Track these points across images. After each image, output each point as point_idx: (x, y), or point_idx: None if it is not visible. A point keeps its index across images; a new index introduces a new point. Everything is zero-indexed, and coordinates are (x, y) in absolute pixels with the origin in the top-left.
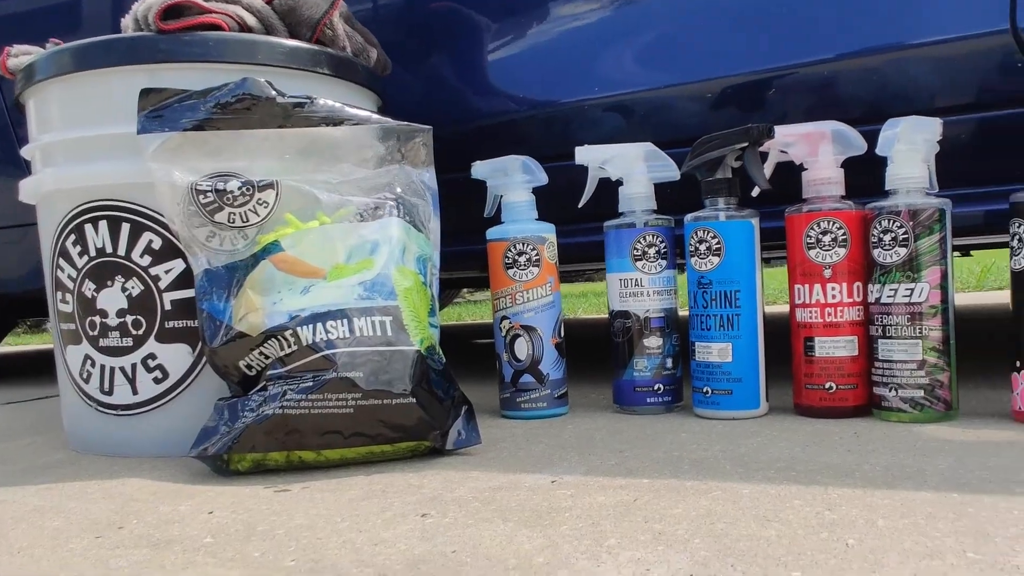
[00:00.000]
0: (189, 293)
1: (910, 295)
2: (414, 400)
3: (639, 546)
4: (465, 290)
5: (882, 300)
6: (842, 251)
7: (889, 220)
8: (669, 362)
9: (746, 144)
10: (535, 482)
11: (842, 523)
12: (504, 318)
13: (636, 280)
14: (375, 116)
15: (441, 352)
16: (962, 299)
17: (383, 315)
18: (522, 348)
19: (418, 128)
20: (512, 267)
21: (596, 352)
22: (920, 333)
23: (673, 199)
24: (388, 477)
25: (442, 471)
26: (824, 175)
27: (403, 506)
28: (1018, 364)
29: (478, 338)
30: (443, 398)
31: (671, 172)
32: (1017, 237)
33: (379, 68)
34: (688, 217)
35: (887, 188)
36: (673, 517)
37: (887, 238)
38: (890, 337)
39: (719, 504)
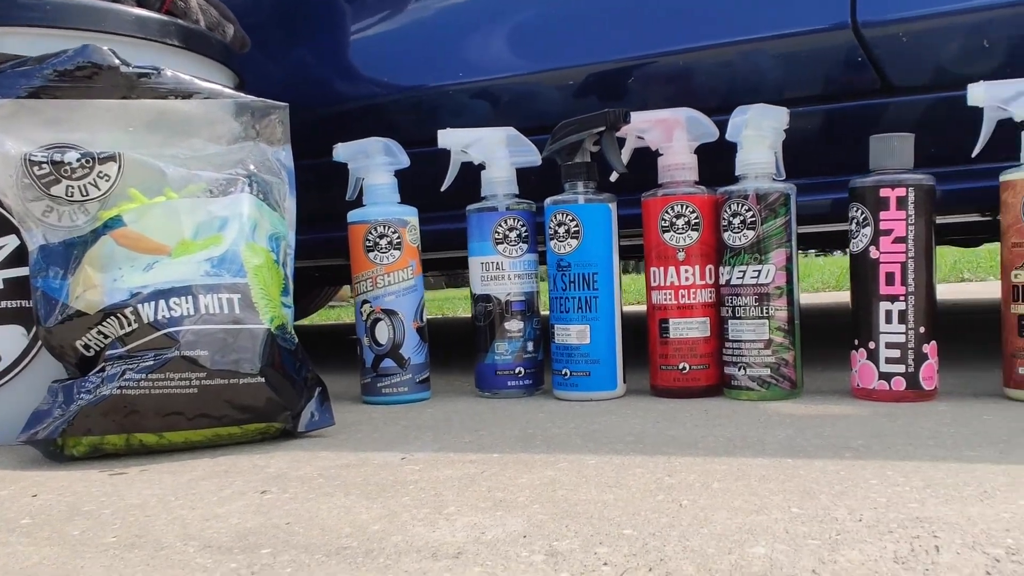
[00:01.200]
0: (24, 271)
1: (757, 276)
2: (263, 380)
3: (478, 512)
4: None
5: (732, 282)
6: (695, 234)
7: (738, 204)
8: (530, 346)
9: (603, 128)
10: (384, 459)
11: (679, 487)
12: (365, 302)
13: (497, 264)
14: (228, 91)
15: (294, 332)
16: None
17: (231, 292)
18: (383, 332)
19: (274, 105)
20: (373, 250)
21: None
22: (766, 313)
23: (552, 184)
24: (234, 459)
25: (292, 452)
26: (678, 160)
27: (244, 484)
28: (856, 343)
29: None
30: (295, 378)
31: (533, 157)
32: (855, 221)
33: (236, 44)
34: (548, 200)
35: (737, 173)
36: (517, 486)
37: (736, 221)
38: (739, 318)
39: (564, 474)
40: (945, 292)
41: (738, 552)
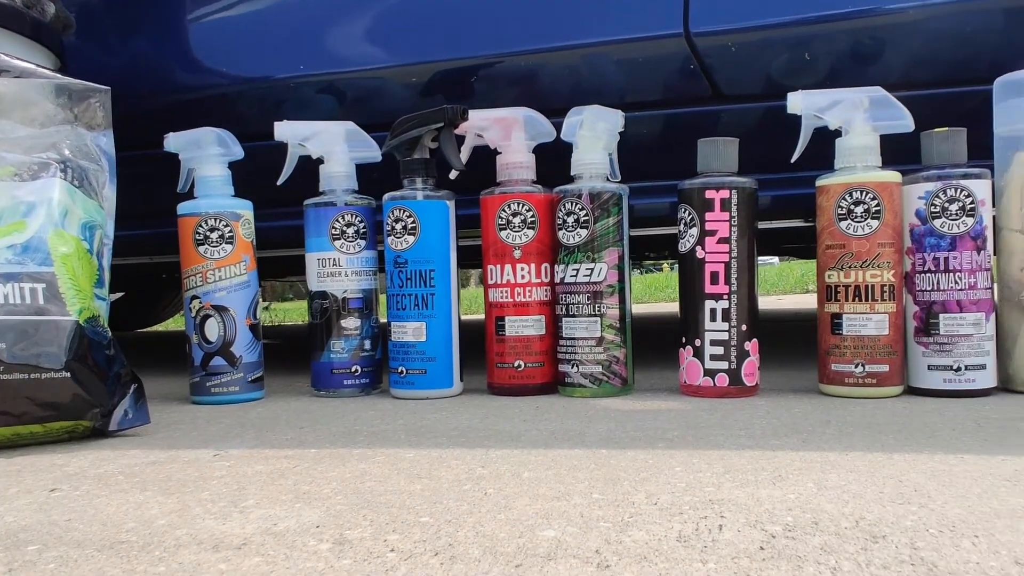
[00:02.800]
0: None
1: (590, 275)
2: (68, 375)
3: (277, 505)
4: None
5: (566, 280)
6: (531, 232)
7: (572, 203)
8: (368, 344)
9: (441, 125)
10: (195, 456)
11: (489, 477)
12: (194, 298)
13: (334, 260)
14: (43, 71)
15: (107, 326)
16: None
17: (34, 282)
18: (213, 329)
19: (94, 88)
20: (203, 244)
21: None
22: (599, 311)
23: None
24: (33, 458)
25: (97, 451)
26: (516, 159)
27: (34, 483)
28: (684, 341)
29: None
30: (107, 375)
31: (373, 152)
32: (683, 222)
33: (58, 25)
34: (386, 196)
35: (572, 173)
36: (325, 480)
37: (570, 220)
38: (572, 315)
39: (377, 467)
40: (791, 303)
41: (528, 535)
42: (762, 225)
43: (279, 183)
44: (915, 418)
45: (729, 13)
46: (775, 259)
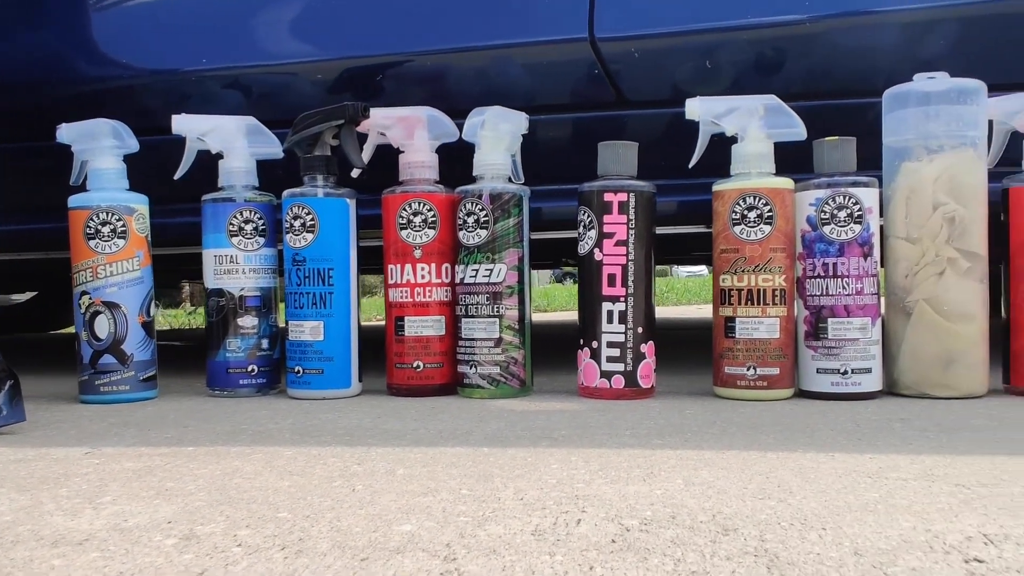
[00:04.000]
0: None
1: (489, 275)
2: None
3: (135, 501)
4: None
5: (465, 280)
6: (432, 232)
7: (472, 203)
8: (266, 343)
9: (342, 121)
10: (66, 454)
11: (363, 474)
12: (84, 293)
13: (231, 257)
14: None
15: None
16: None
17: None
18: (103, 326)
19: None
20: (94, 238)
21: None
22: (498, 312)
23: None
24: None
25: None
26: (418, 158)
27: None
28: (582, 342)
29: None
30: None
31: (274, 148)
32: (583, 224)
33: None
34: (285, 193)
35: (474, 174)
36: (192, 476)
37: (470, 220)
38: (471, 316)
39: (252, 465)
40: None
41: (384, 530)
42: (673, 231)
43: (176, 178)
44: (798, 419)
45: (633, 20)
46: (704, 269)
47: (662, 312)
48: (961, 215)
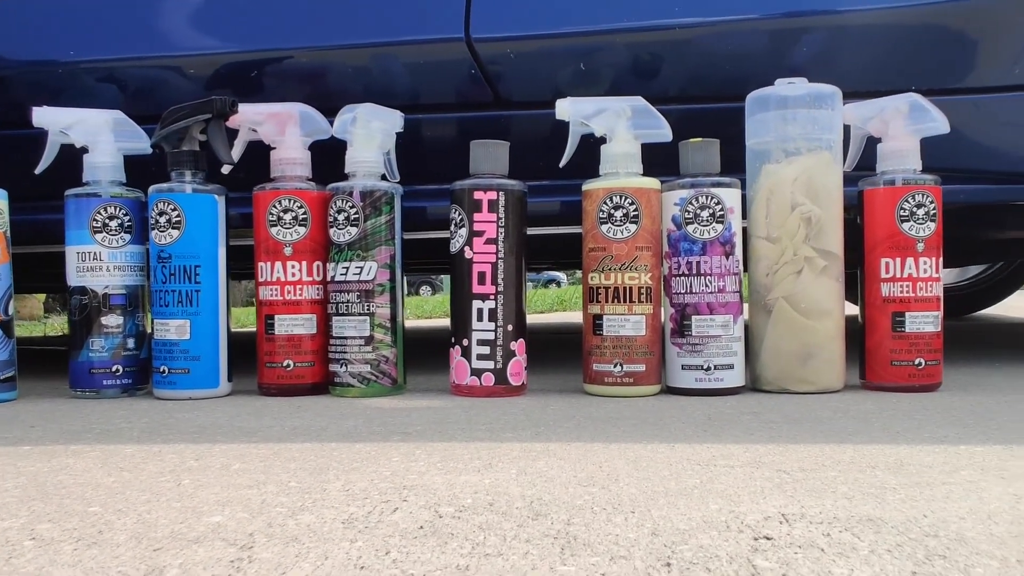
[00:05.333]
0: None
1: (360, 273)
2: None
3: None
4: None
5: (336, 278)
6: (303, 230)
7: (343, 200)
8: (131, 342)
9: (210, 116)
10: None
11: (197, 469)
12: None
13: (95, 254)
14: None
15: None
16: None
17: None
18: None
19: None
20: None
21: None
22: (368, 310)
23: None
24: None
25: None
26: (289, 155)
27: None
28: (453, 340)
29: None
30: None
31: (142, 143)
32: (454, 222)
33: None
34: (151, 188)
35: (345, 171)
36: (16, 472)
37: (341, 217)
38: (342, 314)
39: (85, 462)
40: None
41: (191, 522)
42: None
43: (37, 172)
44: (655, 413)
45: (509, 21)
46: None
47: (576, 315)
48: (817, 215)
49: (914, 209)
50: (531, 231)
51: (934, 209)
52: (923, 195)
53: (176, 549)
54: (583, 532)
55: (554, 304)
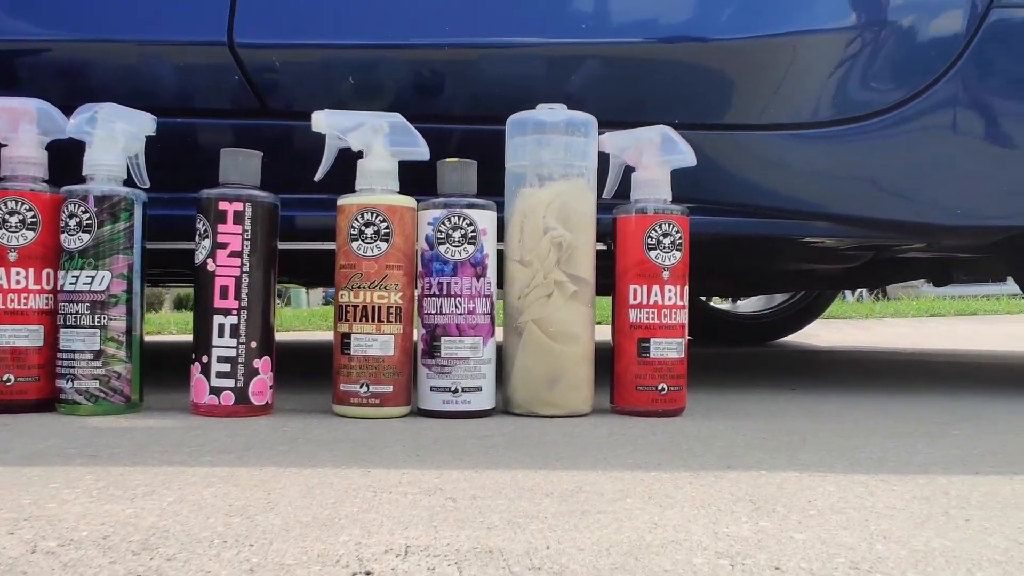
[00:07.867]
0: None
1: (91, 283)
2: None
3: None
4: None
5: (66, 287)
6: (31, 234)
7: (76, 205)
8: None
9: None
10: None
11: None
12: None
13: None
14: None
15: None
16: None
17: None
18: None
19: None
20: None
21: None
22: (99, 322)
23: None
24: None
25: None
26: (21, 154)
27: None
28: (194, 357)
29: None
30: None
31: None
32: (198, 233)
33: None
34: None
35: (83, 174)
36: None
37: (72, 223)
38: (70, 326)
39: None
40: None
41: None
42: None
43: None
44: (385, 437)
45: (273, 28)
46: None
47: None
48: (568, 240)
49: (660, 238)
50: (299, 246)
51: (680, 239)
52: (669, 224)
53: None
54: (172, 569)
55: None
